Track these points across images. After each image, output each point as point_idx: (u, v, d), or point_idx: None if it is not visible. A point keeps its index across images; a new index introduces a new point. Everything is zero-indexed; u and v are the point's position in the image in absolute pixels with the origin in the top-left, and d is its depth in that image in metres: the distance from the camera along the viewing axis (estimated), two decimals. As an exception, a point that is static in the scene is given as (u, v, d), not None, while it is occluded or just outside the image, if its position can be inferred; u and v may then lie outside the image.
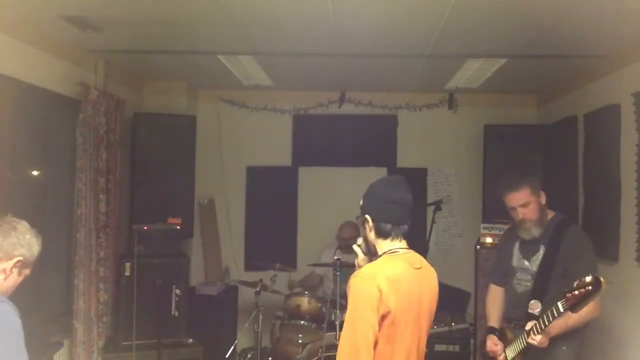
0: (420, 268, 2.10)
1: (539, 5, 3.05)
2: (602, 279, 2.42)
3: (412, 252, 2.15)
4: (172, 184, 4.99)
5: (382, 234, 2.12)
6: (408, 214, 2.14)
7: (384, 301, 1.93)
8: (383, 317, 1.95)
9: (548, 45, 3.78)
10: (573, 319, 2.64)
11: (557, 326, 2.70)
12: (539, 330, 2.68)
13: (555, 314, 2.58)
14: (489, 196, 5.18)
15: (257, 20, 3.45)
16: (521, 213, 3.00)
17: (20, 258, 2.08)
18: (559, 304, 2.54)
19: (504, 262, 3.24)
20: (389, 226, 2.10)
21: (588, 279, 2.44)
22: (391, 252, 2.11)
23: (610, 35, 3.52)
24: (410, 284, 2.03)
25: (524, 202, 3.00)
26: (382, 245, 2.13)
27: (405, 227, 2.13)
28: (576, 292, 2.46)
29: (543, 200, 3.04)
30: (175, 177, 5.03)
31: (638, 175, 3.59)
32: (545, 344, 2.70)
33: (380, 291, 1.93)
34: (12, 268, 2.07)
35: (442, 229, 5.70)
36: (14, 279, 2.10)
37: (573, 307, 2.49)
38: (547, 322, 2.64)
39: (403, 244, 2.13)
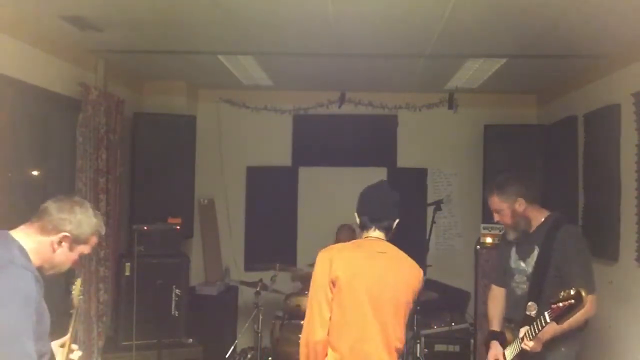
0: (384, 252, 2.44)
1: (539, 5, 3.05)
2: (583, 293, 2.38)
3: (383, 242, 2.50)
4: (172, 184, 4.98)
5: (361, 226, 2.55)
6: (388, 211, 2.51)
7: (334, 268, 2.35)
8: (333, 283, 2.35)
9: (548, 45, 3.79)
10: (566, 323, 2.63)
11: (550, 331, 2.67)
12: (532, 336, 2.67)
13: (543, 324, 2.57)
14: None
15: (257, 20, 3.45)
16: (496, 217, 3.07)
17: (67, 234, 2.13)
18: (546, 314, 2.53)
19: (503, 263, 3.23)
20: (365, 218, 2.51)
21: (572, 292, 2.41)
22: (361, 238, 2.53)
23: (610, 35, 3.52)
24: (365, 261, 2.41)
25: (495, 208, 3.04)
26: (363, 235, 2.54)
27: (385, 222, 2.50)
28: (561, 304, 2.44)
29: (520, 207, 2.99)
30: (175, 177, 5.02)
31: (638, 175, 3.59)
32: (538, 349, 2.68)
33: (331, 260, 2.37)
34: (59, 242, 2.12)
35: (442, 229, 5.70)
36: (65, 254, 2.16)
37: (558, 318, 2.47)
38: (536, 331, 2.63)
39: (378, 234, 2.51)
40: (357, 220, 2.54)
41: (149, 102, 5.38)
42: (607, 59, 4.00)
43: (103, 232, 2.32)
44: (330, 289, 2.34)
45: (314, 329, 2.34)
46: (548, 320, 2.53)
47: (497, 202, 3.01)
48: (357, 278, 2.35)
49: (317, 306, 2.35)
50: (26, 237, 2.09)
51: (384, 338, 2.35)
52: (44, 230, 2.11)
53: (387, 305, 2.37)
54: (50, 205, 2.14)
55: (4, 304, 1.88)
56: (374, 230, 2.50)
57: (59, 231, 2.12)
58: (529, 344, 2.67)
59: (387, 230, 2.51)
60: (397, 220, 2.53)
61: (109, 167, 4.37)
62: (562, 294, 2.46)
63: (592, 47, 3.80)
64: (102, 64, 4.47)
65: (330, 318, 2.34)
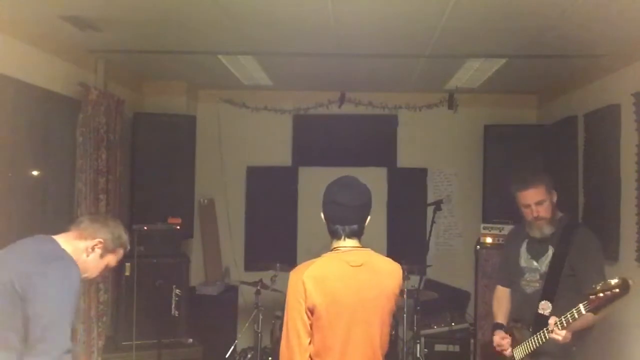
0: (360, 265, 2.17)
1: (539, 5, 3.05)
2: (630, 281, 2.39)
3: (358, 250, 2.22)
4: (172, 184, 4.99)
5: (331, 233, 2.24)
6: (357, 214, 2.21)
7: (309, 295, 2.09)
8: (311, 311, 2.11)
9: (548, 45, 3.79)
10: (595, 317, 2.63)
11: (579, 324, 2.67)
12: (562, 326, 2.65)
13: (576, 316, 2.56)
14: (489, 196, 5.18)
15: (257, 20, 3.45)
16: (535, 211, 2.98)
17: (101, 240, 2.38)
18: (581, 306, 2.52)
19: (510, 263, 3.22)
20: (335, 226, 2.21)
21: (614, 281, 2.41)
22: (333, 250, 2.23)
23: (610, 35, 3.52)
24: (341, 281, 2.14)
25: (539, 200, 2.98)
26: (333, 244, 2.24)
27: (355, 227, 2.20)
28: (601, 294, 2.43)
29: (554, 199, 3.05)
30: (175, 177, 5.03)
31: (638, 175, 3.59)
32: (569, 339, 2.67)
33: (304, 284, 2.09)
34: (93, 247, 2.36)
35: (442, 229, 5.70)
36: (96, 259, 2.38)
37: (596, 309, 2.47)
38: (565, 324, 2.63)
39: (350, 242, 2.21)
40: (325, 223, 2.25)
41: (149, 102, 5.38)
42: (607, 59, 4.00)
43: (128, 248, 2.52)
44: (308, 316, 2.12)
45: (293, 356, 2.14)
46: (584, 312, 2.52)
47: (542, 193, 2.97)
48: (336, 303, 2.13)
49: (294, 333, 2.12)
50: (65, 242, 2.32)
51: (370, 355, 2.21)
52: (81, 236, 2.35)
53: (373, 321, 2.20)
54: (85, 218, 2.44)
55: (57, 291, 2.10)
56: (345, 239, 2.21)
57: (94, 237, 2.36)
58: (561, 333, 2.64)
59: (359, 234, 2.23)
60: (368, 218, 2.26)
61: (109, 167, 4.37)
62: (599, 285, 2.45)
63: (592, 47, 3.81)
64: (102, 64, 4.47)
65: (310, 342, 2.15)
